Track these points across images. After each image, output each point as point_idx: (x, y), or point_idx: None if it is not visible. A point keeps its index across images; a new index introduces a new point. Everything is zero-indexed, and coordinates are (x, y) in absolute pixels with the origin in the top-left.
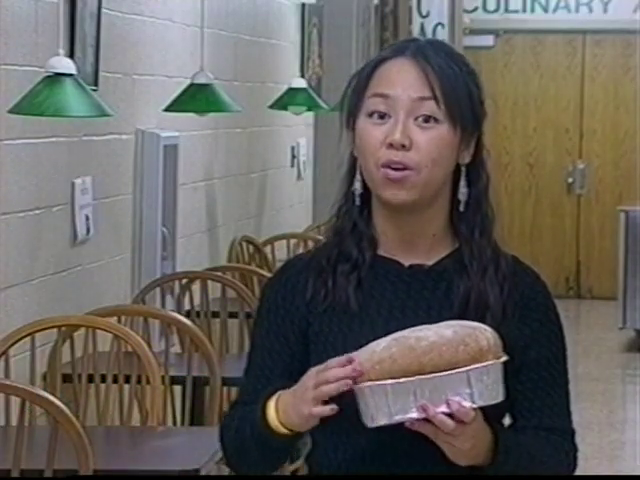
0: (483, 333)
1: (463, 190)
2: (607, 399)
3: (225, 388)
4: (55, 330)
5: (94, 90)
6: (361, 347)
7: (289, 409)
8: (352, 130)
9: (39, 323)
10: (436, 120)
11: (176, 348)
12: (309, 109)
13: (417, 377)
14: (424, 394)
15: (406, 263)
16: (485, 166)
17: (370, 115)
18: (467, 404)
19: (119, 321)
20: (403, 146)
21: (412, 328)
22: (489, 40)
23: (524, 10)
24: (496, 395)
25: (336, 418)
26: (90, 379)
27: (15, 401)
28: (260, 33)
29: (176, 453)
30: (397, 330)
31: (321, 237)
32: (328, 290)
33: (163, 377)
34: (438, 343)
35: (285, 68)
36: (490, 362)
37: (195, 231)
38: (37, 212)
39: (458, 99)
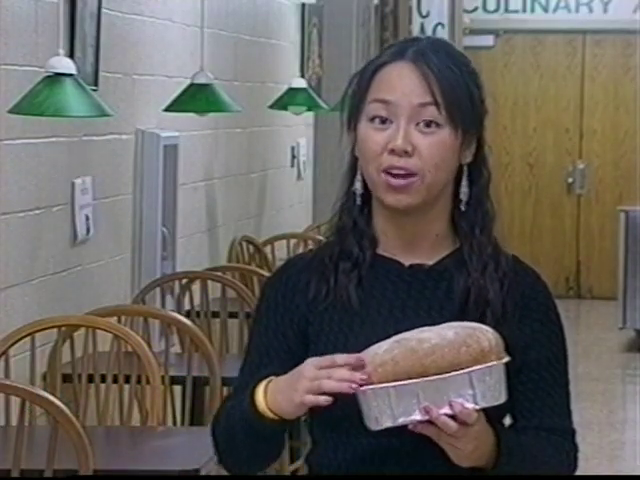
0: (485, 334)
1: (465, 190)
2: (607, 399)
3: (225, 388)
4: (55, 330)
5: (94, 90)
6: (361, 346)
7: (278, 395)
8: (353, 131)
9: (39, 323)
10: (437, 125)
11: (176, 348)
12: (309, 109)
13: (419, 379)
14: (427, 396)
15: (406, 263)
16: (486, 163)
17: (371, 120)
18: (470, 405)
19: (119, 321)
20: (406, 152)
21: (413, 330)
22: (489, 40)
23: (524, 10)
24: (499, 396)
25: (336, 418)
26: (90, 379)
27: (15, 401)
28: (260, 33)
29: (176, 453)
30: (397, 330)
31: (321, 237)
32: (330, 288)
33: (163, 377)
34: (440, 345)
35: (285, 68)
36: (492, 363)
37: (195, 231)
38: (37, 212)
39: (459, 103)
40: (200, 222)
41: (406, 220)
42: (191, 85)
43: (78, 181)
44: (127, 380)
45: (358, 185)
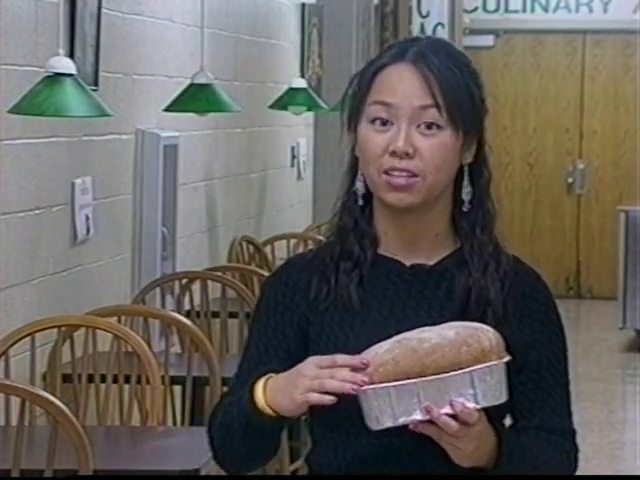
0: (485, 334)
1: (467, 190)
2: (607, 399)
3: (225, 388)
4: (55, 330)
5: (94, 90)
6: (362, 346)
7: (277, 392)
8: (353, 132)
9: (39, 323)
10: (438, 127)
11: (176, 348)
12: (309, 109)
13: (420, 379)
14: (427, 396)
15: (407, 263)
16: (487, 163)
17: (372, 122)
18: (471, 405)
19: (119, 321)
20: (407, 154)
21: (414, 330)
22: (489, 40)
23: (524, 10)
24: (499, 395)
25: (336, 418)
26: (90, 379)
27: (15, 401)
28: (260, 33)
29: (176, 453)
30: (398, 329)
31: (321, 237)
32: (330, 288)
33: (163, 377)
34: (440, 344)
35: (285, 68)
36: (493, 362)
37: (195, 231)
38: (37, 212)
39: (460, 104)
40: (200, 222)
41: (407, 220)
42: (191, 85)
43: (78, 181)
44: (127, 380)
45: (359, 185)
